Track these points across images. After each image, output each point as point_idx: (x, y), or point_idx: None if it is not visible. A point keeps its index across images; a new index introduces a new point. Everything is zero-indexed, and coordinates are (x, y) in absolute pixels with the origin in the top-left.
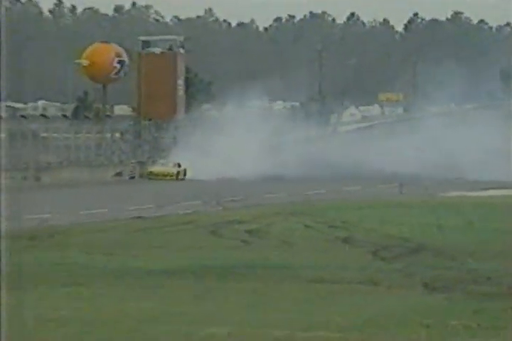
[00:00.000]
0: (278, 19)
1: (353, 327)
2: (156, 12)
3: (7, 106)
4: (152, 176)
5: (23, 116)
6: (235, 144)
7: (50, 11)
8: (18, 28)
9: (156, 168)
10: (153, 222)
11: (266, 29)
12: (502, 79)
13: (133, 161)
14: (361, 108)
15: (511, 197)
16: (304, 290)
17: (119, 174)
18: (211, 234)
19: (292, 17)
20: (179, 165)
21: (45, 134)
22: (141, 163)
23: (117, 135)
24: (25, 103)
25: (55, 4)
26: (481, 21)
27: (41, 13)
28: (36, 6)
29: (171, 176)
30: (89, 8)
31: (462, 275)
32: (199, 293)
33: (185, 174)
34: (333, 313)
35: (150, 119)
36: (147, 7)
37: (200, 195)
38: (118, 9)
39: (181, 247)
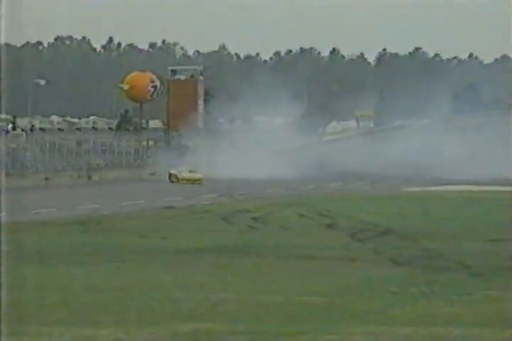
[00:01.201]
0: (277, 53)
1: (336, 293)
2: (182, 47)
3: (65, 121)
4: (179, 181)
5: (78, 129)
6: (243, 150)
7: (103, 47)
8: (76, 60)
9: (182, 175)
10: (181, 211)
11: (265, 61)
12: (453, 100)
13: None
14: (341, 122)
15: (462, 192)
16: (297, 265)
17: (152, 174)
18: (224, 220)
19: (290, 51)
20: (192, 172)
21: (95, 142)
22: (170, 165)
23: (151, 143)
24: (79, 118)
25: (107, 41)
26: (436, 55)
27: (94, 49)
28: (88, 43)
29: (197, 181)
30: (129, 44)
31: (420, 253)
32: (214, 268)
33: (199, 181)
34: (319, 283)
35: (176, 131)
36: (174, 44)
37: (217, 190)
38: (152, 45)
39: (201, 231)
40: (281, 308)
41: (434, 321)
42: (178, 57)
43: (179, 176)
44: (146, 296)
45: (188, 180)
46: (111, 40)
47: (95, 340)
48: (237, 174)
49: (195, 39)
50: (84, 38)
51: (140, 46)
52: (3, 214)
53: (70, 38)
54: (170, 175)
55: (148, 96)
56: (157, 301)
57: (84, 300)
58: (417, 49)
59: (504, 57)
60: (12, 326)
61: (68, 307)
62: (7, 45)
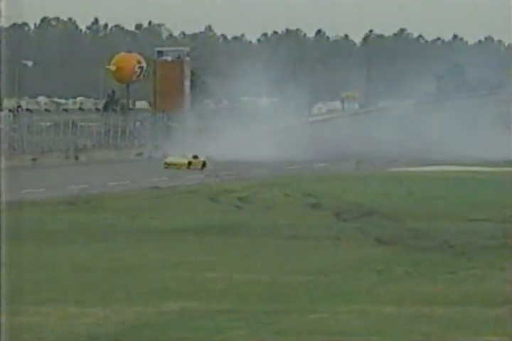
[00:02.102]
0: (264, 34)
1: (321, 273)
2: (168, 29)
3: (53, 102)
4: (168, 166)
5: (65, 110)
6: (230, 131)
7: (88, 27)
8: (62, 41)
9: (170, 159)
10: (167, 191)
11: (251, 42)
12: (437, 81)
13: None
14: (326, 103)
15: (446, 172)
16: (282, 245)
17: (139, 154)
18: (210, 200)
19: (276, 32)
20: (195, 157)
21: (82, 123)
22: (157, 146)
23: (138, 124)
24: (67, 99)
25: (92, 22)
26: (420, 36)
27: (80, 30)
28: (74, 24)
29: (183, 165)
30: (116, 25)
31: (404, 233)
32: (201, 247)
33: (204, 165)
34: (305, 262)
35: (163, 111)
36: (159, 25)
37: (203, 171)
38: (138, 26)
39: (188, 211)
40: (266, 287)
41: (418, 300)
42: (164, 38)
43: (168, 161)
44: (134, 275)
45: (173, 165)
46: (96, 21)
47: (83, 319)
48: (223, 155)
49: (181, 20)
50: (70, 19)
51: (127, 27)
52: None
53: (57, 19)
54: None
55: (135, 77)
56: (145, 280)
57: (71, 279)
58: (402, 30)
59: (488, 38)
60: None
61: (55, 286)
62: None
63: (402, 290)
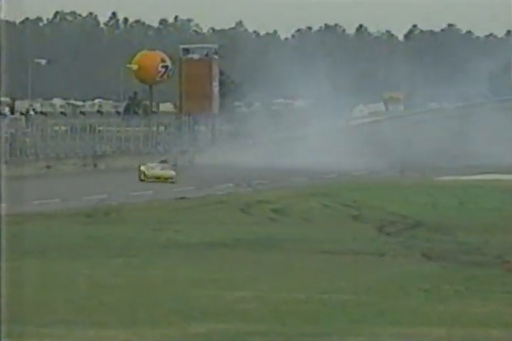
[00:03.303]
0: (299, 30)
1: (362, 291)
2: (196, 24)
3: (69, 104)
4: (147, 179)
5: (82, 113)
6: (262, 136)
7: (106, 23)
8: (78, 38)
9: (152, 172)
10: (194, 202)
11: (286, 39)
12: (489, 81)
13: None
14: (368, 105)
15: (499, 181)
16: (320, 260)
17: (164, 161)
18: (241, 211)
19: (310, 28)
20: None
21: (100, 128)
22: (183, 152)
23: (162, 128)
24: (84, 101)
25: (111, 17)
26: (469, 32)
27: (98, 24)
28: (95, 19)
29: (168, 179)
30: (137, 21)
31: (454, 247)
32: (230, 262)
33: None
34: (345, 279)
35: (189, 115)
36: (188, 20)
37: (233, 180)
38: (162, 22)
39: (217, 223)
40: (303, 307)
41: (469, 321)
42: (190, 34)
43: (147, 173)
44: (157, 294)
45: (158, 177)
46: (114, 15)
47: None
48: (255, 162)
49: (209, 15)
50: (91, 13)
51: (149, 23)
52: (3, 205)
53: (73, 13)
54: (140, 171)
55: (158, 78)
56: (169, 299)
57: (89, 298)
58: (450, 26)
59: None
60: (11, 326)
61: (72, 305)
62: (4, 21)
63: (452, 311)
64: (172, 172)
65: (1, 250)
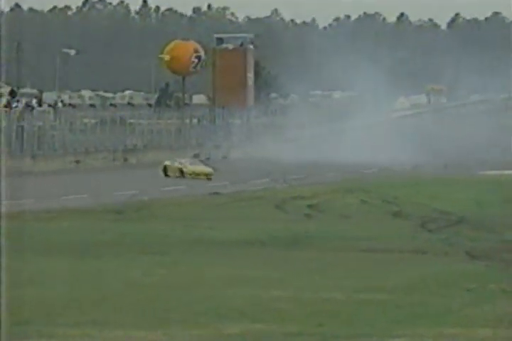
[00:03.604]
0: (337, 19)
1: (403, 291)
2: (231, 13)
3: (98, 96)
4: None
5: (112, 105)
6: (300, 129)
7: (137, 12)
8: (108, 27)
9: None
10: (228, 198)
11: (325, 28)
12: None
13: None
14: (410, 97)
15: None
16: (359, 259)
17: (196, 155)
18: (277, 208)
19: (348, 17)
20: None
21: (131, 120)
22: (216, 146)
23: (195, 121)
24: (114, 93)
25: (142, 5)
26: None
27: (129, 13)
28: (126, 7)
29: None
30: (169, 9)
31: (500, 245)
32: (266, 261)
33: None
34: (385, 278)
35: (223, 107)
36: (224, 8)
37: (268, 175)
38: (195, 10)
39: (251, 220)
40: (341, 307)
41: None
42: (225, 23)
43: (186, 170)
44: (190, 293)
45: (197, 174)
46: (146, 3)
47: None
48: (291, 156)
49: (244, 3)
50: (122, 1)
51: (182, 11)
52: (31, 200)
53: (103, 1)
54: (165, 167)
55: (191, 68)
56: (202, 299)
57: (120, 297)
58: (496, 14)
59: None
60: (40, 325)
61: (102, 305)
62: (31, 10)
63: (498, 311)
64: (210, 169)
65: (2, 249)
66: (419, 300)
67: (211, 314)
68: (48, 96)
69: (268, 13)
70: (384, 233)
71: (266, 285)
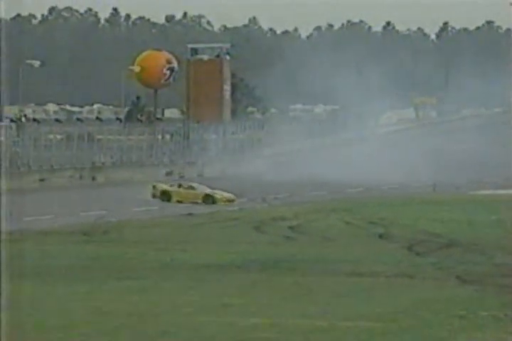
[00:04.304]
0: (318, 28)
1: (390, 318)
2: (206, 22)
3: (64, 110)
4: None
5: (79, 119)
6: (279, 145)
7: (106, 20)
8: (75, 36)
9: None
10: (203, 218)
11: (307, 37)
12: None
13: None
14: (397, 111)
15: None
16: (343, 284)
17: (169, 173)
18: (255, 229)
19: (331, 26)
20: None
21: (100, 136)
22: (191, 163)
23: (167, 137)
24: (81, 107)
25: (112, 13)
26: (509, 30)
27: (98, 21)
28: (95, 15)
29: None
30: (141, 17)
31: (492, 269)
32: (243, 286)
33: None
34: (371, 305)
35: (198, 122)
36: (198, 17)
37: (246, 194)
38: (168, 18)
39: (228, 242)
40: (324, 336)
41: None
42: (200, 33)
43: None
44: (162, 321)
45: (225, 201)
46: (116, 11)
47: None
48: (270, 174)
49: (220, 11)
50: (90, 9)
51: (154, 20)
52: None
53: (70, 9)
54: (162, 191)
55: (163, 81)
56: (175, 327)
57: (87, 325)
58: (488, 23)
59: None
60: None
61: (70, 333)
62: None
63: (490, 339)
64: (232, 195)
65: None
66: (407, 328)
67: None
68: (10, 111)
69: (246, 22)
70: (369, 256)
71: (243, 313)
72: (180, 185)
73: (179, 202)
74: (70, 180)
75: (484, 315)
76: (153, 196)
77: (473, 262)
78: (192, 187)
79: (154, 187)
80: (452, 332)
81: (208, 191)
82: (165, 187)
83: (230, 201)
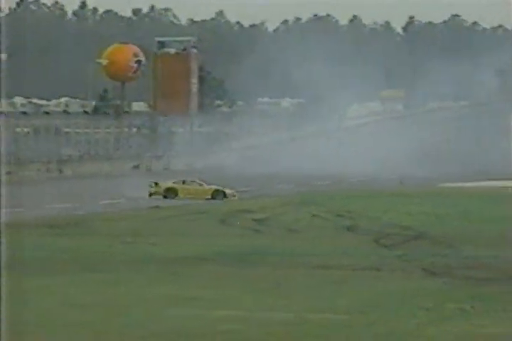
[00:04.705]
0: (285, 21)
1: (357, 310)
2: (174, 15)
3: (31, 103)
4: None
5: (46, 113)
6: (246, 138)
7: (74, 13)
8: (43, 29)
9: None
10: (171, 211)
11: (274, 31)
12: (497, 77)
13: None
14: (364, 104)
15: (507, 188)
16: (311, 276)
17: (136, 167)
18: (222, 222)
19: (299, 19)
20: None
21: (67, 129)
22: (157, 157)
23: (134, 130)
24: (48, 100)
25: (79, 6)
26: (475, 23)
27: (65, 15)
28: (61, 9)
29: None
30: (108, 11)
31: (459, 262)
32: (211, 279)
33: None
34: (338, 297)
35: (165, 115)
36: (166, 10)
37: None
38: (136, 12)
39: (195, 235)
40: (292, 328)
41: None
42: (167, 26)
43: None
44: (132, 313)
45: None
46: (84, 4)
47: None
48: (237, 167)
49: (187, 4)
50: (57, 2)
51: (121, 13)
52: None
53: (37, 2)
54: (166, 188)
55: (131, 74)
56: (144, 319)
57: (57, 318)
58: (454, 16)
59: None
60: None
61: (40, 326)
62: None
63: (457, 331)
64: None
65: None
66: (374, 321)
67: (154, 336)
68: None
69: (213, 15)
70: (337, 249)
71: (211, 305)
72: (184, 182)
73: (188, 198)
74: (37, 173)
75: (451, 307)
76: (153, 194)
77: (440, 254)
78: (198, 183)
79: (156, 184)
80: (419, 324)
81: (215, 186)
82: (170, 184)
83: (234, 196)
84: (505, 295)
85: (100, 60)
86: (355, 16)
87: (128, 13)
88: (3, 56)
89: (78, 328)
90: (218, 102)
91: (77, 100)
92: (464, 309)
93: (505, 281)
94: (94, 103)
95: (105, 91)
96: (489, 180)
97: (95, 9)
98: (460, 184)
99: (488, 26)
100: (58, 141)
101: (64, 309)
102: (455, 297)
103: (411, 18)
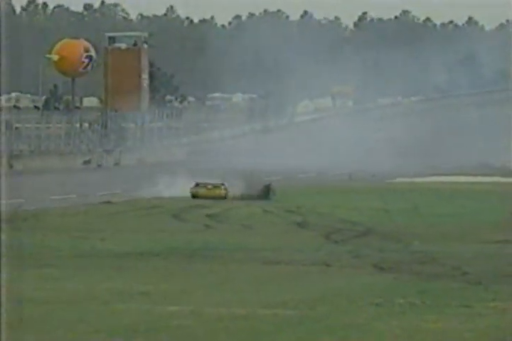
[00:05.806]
0: (237, 17)
1: (307, 305)
2: (123, 10)
3: None
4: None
5: None
6: (197, 134)
7: (23, 8)
8: None
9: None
10: (122, 207)
11: (223, 26)
12: (448, 73)
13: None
14: (314, 100)
15: (456, 184)
16: (261, 272)
17: (87, 162)
18: (174, 217)
19: (252, 15)
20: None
21: (17, 124)
22: (108, 152)
23: (86, 125)
24: None
25: (28, 1)
26: (427, 19)
27: (14, 10)
28: (9, 3)
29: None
30: (59, 6)
31: (408, 257)
32: (162, 274)
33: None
34: (288, 292)
35: (116, 110)
36: (115, 5)
37: (166, 182)
38: (87, 7)
39: (147, 230)
40: (242, 323)
41: (425, 338)
42: (118, 21)
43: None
44: (80, 309)
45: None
46: (33, 0)
47: None
48: (187, 162)
49: (138, 0)
50: None
51: (72, 8)
52: None
53: None
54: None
55: (81, 69)
56: (93, 315)
57: (5, 314)
58: (405, 12)
59: (510, 22)
60: None
61: None
62: None
63: (406, 326)
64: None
65: None
66: (324, 316)
67: (102, 332)
68: None
69: (163, 11)
70: (287, 244)
71: (161, 300)
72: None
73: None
74: None
75: (401, 302)
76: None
77: (389, 250)
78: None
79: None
80: (369, 319)
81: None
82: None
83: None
84: (455, 290)
85: (50, 56)
86: (305, 12)
87: (79, 8)
88: None
89: (25, 324)
90: (169, 97)
91: (28, 95)
92: (414, 303)
93: (453, 277)
94: (44, 98)
95: (55, 86)
96: (440, 175)
97: (45, 4)
98: (408, 179)
99: (438, 22)
100: (9, 136)
101: (10, 305)
102: (405, 292)
103: (364, 13)
